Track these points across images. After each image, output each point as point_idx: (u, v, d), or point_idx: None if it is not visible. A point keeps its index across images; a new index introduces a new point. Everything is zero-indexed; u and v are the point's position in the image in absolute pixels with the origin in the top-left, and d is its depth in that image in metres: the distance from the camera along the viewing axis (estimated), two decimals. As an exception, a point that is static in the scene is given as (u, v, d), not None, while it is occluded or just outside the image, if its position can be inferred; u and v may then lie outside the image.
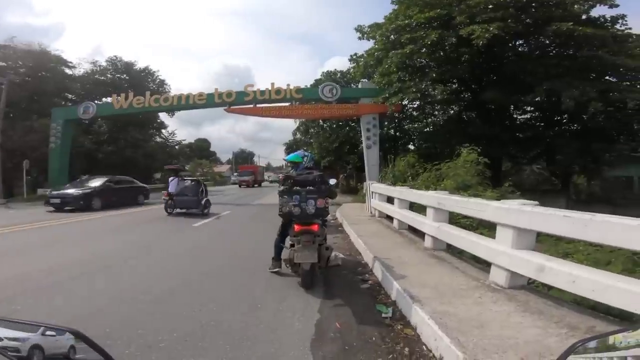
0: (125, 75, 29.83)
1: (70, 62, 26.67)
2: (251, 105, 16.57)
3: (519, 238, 3.18)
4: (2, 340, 0.70)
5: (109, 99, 20.04)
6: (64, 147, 18.67)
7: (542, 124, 14.93)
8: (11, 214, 11.77)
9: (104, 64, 29.61)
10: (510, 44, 13.37)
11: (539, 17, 11.87)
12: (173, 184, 10.69)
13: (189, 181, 11.22)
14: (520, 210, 3.15)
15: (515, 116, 15.51)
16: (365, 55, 17.22)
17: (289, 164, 4.56)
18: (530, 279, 3.22)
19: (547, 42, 13.15)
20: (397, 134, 20.61)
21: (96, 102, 21.06)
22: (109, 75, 29.32)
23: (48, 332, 0.71)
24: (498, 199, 4.39)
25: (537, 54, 13.31)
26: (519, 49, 13.97)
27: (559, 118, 14.39)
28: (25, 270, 4.38)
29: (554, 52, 13.23)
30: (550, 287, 3.18)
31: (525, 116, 15.55)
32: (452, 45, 12.62)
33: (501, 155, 14.03)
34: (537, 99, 12.30)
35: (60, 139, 18.41)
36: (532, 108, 14.63)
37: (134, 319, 2.95)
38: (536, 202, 3.23)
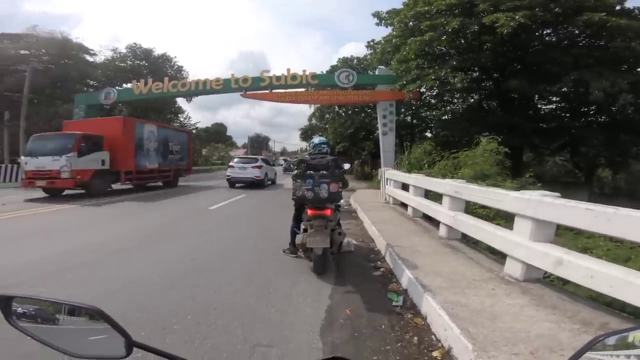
0: (144, 62, 30.22)
1: (92, 50, 27.43)
2: (267, 91, 16.61)
3: (538, 230, 3.09)
4: (25, 314, 0.72)
5: (129, 85, 20.49)
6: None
7: (568, 114, 14.35)
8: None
9: (124, 50, 30.12)
10: (537, 33, 12.75)
11: (570, 7, 11.26)
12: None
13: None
14: (540, 201, 3.04)
15: (539, 106, 14.95)
16: (382, 41, 16.84)
17: (313, 147, 4.32)
18: (546, 272, 3.15)
19: (577, 32, 12.47)
20: (414, 121, 20.26)
21: (117, 88, 21.48)
22: (128, 62, 29.77)
23: (70, 310, 0.72)
24: (518, 189, 4.25)
25: (565, 44, 12.67)
26: (546, 38, 13.33)
27: (585, 109, 13.79)
28: (45, 254, 4.41)
29: (583, 42, 12.57)
30: (565, 282, 3.12)
31: (550, 106, 14.96)
32: (474, 33, 12.18)
33: (522, 146, 13.64)
34: (563, 89, 11.82)
35: (83, 124, 19.08)
36: (558, 98, 14.05)
37: (149, 301, 3.01)
38: (557, 194, 3.11)
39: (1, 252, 4.55)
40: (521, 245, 3.18)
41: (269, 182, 16.08)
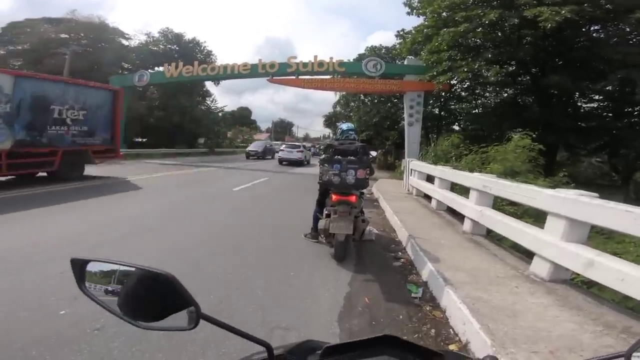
0: (175, 46, 30.80)
1: (127, 34, 28.24)
2: (293, 77, 16.63)
3: (571, 230, 2.98)
4: (96, 280, 0.71)
5: (160, 68, 21.05)
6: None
7: (610, 114, 13.50)
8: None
9: (157, 35, 30.77)
10: (583, 29, 11.95)
11: (622, 4, 10.41)
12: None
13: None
14: (577, 200, 2.92)
15: (579, 104, 14.15)
16: (413, 31, 16.31)
17: (340, 133, 4.29)
18: (572, 274, 3.07)
19: (628, 29, 11.57)
20: (442, 113, 19.70)
21: (149, 70, 22.12)
22: (160, 46, 30.44)
23: (142, 275, 0.68)
24: (551, 188, 4.09)
25: (614, 41, 11.81)
26: (594, 35, 12.47)
27: (630, 109, 12.95)
28: (78, 229, 4.52)
29: (634, 40, 11.65)
30: (591, 285, 3.04)
31: (592, 105, 14.12)
32: (513, 26, 11.54)
33: (557, 144, 13.02)
34: (608, 88, 11.16)
35: (118, 105, 19.84)
36: (601, 97, 13.23)
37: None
38: (595, 194, 2.97)
39: None
40: (551, 245, 3.08)
41: (306, 162, 21.81)
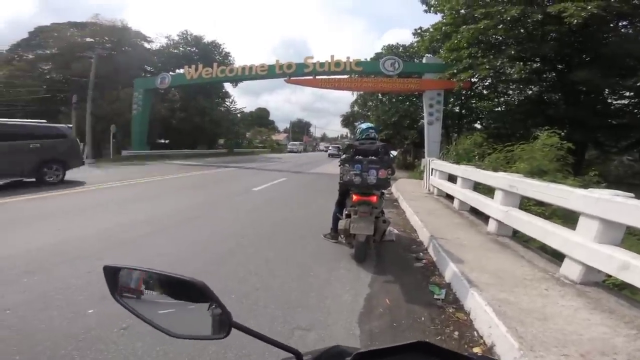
0: (194, 48, 31.53)
1: (149, 37, 29.08)
2: (311, 77, 16.67)
3: (605, 231, 2.84)
4: (128, 288, 0.70)
5: (181, 70, 21.58)
6: (144, 114, 20.87)
7: (642, 111, 12.85)
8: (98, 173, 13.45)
9: (176, 38, 31.60)
10: (610, 25, 11.43)
11: None
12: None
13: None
14: (611, 200, 2.79)
15: (609, 101, 13.53)
16: (431, 29, 16.04)
17: (360, 133, 4.25)
18: (604, 276, 2.95)
19: None
20: (463, 111, 19.25)
21: (170, 73, 22.71)
22: (180, 49, 31.24)
23: (173, 283, 0.68)
24: (581, 188, 3.92)
25: None
26: (622, 30, 11.92)
27: (662, 106, 12.29)
28: (106, 227, 4.72)
29: None
30: (623, 287, 2.92)
31: (623, 101, 13.48)
32: (536, 22, 11.14)
33: (586, 142, 12.49)
34: (639, 84, 10.56)
35: (141, 106, 20.61)
36: (632, 93, 12.63)
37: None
38: (631, 194, 2.82)
39: None
40: (583, 246, 2.95)
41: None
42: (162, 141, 28.97)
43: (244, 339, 2.02)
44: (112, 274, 0.70)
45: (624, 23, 11.92)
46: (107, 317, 2.31)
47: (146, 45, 29.13)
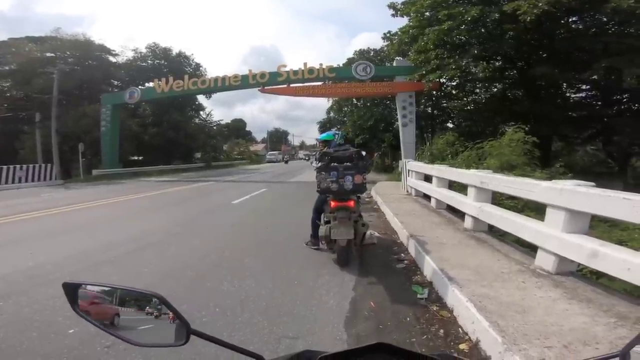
0: (163, 61, 30.88)
1: (114, 50, 28.16)
2: (285, 85, 16.70)
3: (571, 221, 2.95)
4: (88, 301, 0.75)
5: (151, 84, 21.03)
6: (114, 130, 20.13)
7: (599, 102, 13.68)
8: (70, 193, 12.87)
9: (144, 50, 30.83)
10: (562, 21, 12.18)
11: None
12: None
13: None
14: (574, 191, 2.90)
15: (568, 94, 14.34)
16: (399, 32, 16.55)
17: (321, 143, 4.54)
18: (579, 265, 3.03)
19: (605, 19, 11.83)
20: (435, 112, 19.85)
21: (140, 87, 22.10)
22: (149, 61, 30.52)
23: (132, 296, 0.74)
24: (548, 180, 4.09)
25: (594, 31, 12.02)
26: (572, 26, 12.72)
27: (618, 97, 13.17)
28: (84, 248, 4.66)
29: (613, 29, 11.90)
30: (599, 276, 2.99)
31: (580, 95, 14.33)
32: (494, 21, 11.79)
33: (551, 135, 13.18)
34: (594, 77, 11.36)
35: (110, 123, 19.85)
36: (588, 86, 13.46)
37: (179, 293, 3.08)
38: (592, 184, 2.97)
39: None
40: (553, 237, 3.05)
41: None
42: (135, 158, 28.01)
43: (220, 350, 2.02)
44: (72, 290, 0.74)
45: (574, 19, 12.71)
46: (90, 336, 2.24)
47: (112, 59, 28.16)
